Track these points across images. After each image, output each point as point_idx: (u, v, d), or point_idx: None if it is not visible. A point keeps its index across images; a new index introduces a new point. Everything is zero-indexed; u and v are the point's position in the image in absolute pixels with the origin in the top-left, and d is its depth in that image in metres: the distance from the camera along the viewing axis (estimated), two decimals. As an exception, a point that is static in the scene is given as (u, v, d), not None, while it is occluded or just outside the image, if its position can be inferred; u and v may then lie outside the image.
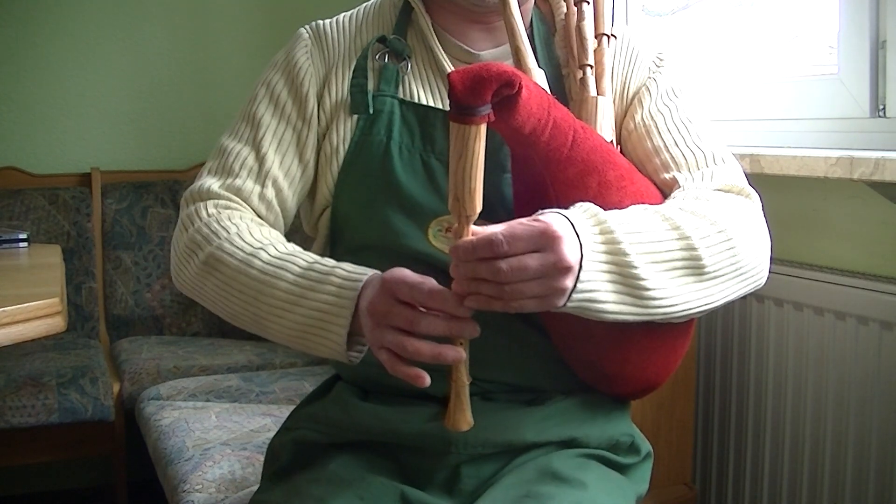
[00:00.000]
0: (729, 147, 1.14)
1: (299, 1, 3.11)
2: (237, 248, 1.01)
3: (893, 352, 1.44)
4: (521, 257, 0.83)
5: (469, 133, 0.83)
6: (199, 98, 3.06)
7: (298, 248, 1.03)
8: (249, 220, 1.07)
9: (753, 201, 1.06)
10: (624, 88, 1.14)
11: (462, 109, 0.83)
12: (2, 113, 2.86)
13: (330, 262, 0.99)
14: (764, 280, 1.04)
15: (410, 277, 0.89)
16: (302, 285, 0.97)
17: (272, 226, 1.11)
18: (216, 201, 1.08)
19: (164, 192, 2.91)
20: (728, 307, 1.77)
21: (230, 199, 1.09)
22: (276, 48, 1.22)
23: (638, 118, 1.11)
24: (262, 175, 1.10)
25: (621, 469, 1.09)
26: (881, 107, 1.54)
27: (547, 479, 0.99)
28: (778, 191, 1.67)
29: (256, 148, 1.11)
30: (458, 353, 0.89)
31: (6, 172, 2.83)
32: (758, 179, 1.35)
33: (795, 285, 1.61)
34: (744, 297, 1.70)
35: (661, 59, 1.15)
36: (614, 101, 1.13)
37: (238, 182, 1.10)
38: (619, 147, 1.13)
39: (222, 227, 1.04)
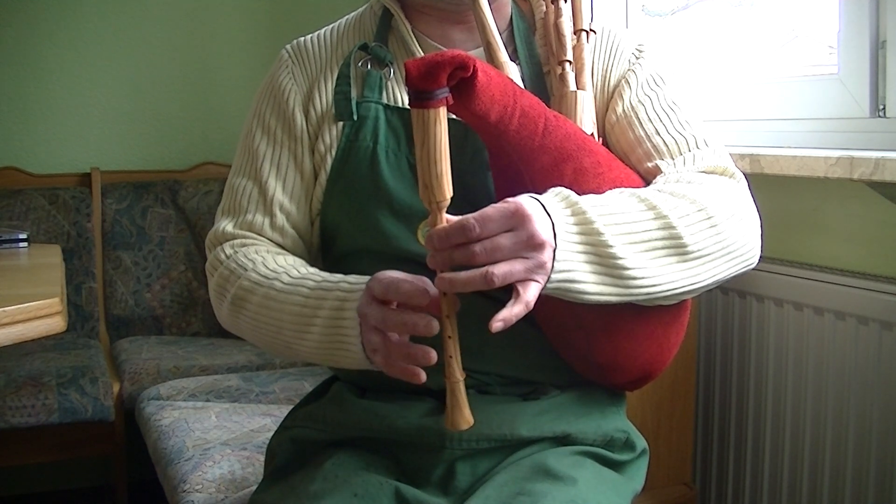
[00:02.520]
0: (729, 147, 1.13)
1: (299, 1, 3.11)
2: (255, 282, 1.04)
3: (893, 352, 1.44)
4: (494, 238, 0.83)
5: (429, 117, 0.84)
6: (199, 98, 3.06)
7: (313, 270, 1.05)
8: (265, 251, 1.09)
9: (739, 181, 1.05)
10: (605, 82, 1.14)
11: (420, 94, 0.84)
12: (2, 113, 2.86)
13: (337, 276, 1.01)
14: (756, 259, 1.03)
15: (381, 274, 0.91)
16: (312, 305, 0.99)
17: (292, 250, 1.12)
18: (232, 241, 1.11)
19: (164, 192, 2.91)
20: (728, 307, 1.77)
21: (245, 236, 1.11)
22: (276, 48, 1.22)
23: (620, 109, 1.11)
24: (268, 204, 1.12)
25: (616, 466, 1.09)
26: (881, 107, 1.54)
27: (540, 476, 0.99)
28: (777, 191, 1.67)
29: (258, 179, 1.13)
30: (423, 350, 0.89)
31: (6, 172, 2.83)
32: (758, 179, 1.35)
33: (795, 285, 1.61)
34: (743, 297, 1.72)
35: (640, 51, 1.15)
36: (595, 96, 1.12)
37: (249, 217, 1.12)
38: (601, 140, 1.12)
39: (240, 265, 1.07)
